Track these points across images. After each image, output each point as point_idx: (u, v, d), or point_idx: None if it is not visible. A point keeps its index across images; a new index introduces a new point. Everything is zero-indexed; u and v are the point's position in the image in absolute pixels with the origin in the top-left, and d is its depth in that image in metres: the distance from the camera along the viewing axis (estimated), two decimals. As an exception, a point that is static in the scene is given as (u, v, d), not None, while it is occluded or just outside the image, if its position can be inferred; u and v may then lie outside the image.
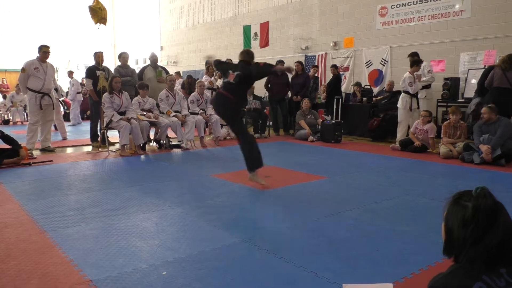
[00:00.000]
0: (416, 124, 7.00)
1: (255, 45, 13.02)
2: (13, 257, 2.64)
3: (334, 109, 9.16)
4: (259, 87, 10.45)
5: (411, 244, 2.87)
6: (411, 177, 5.09)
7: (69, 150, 7.43)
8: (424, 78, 7.69)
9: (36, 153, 6.78)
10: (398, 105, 7.56)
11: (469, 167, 5.68)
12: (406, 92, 7.38)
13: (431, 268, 2.45)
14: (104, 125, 6.87)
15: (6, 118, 12.93)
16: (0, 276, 2.36)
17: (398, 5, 9.69)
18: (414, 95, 7.39)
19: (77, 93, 12.09)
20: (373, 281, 2.31)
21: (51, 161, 6.08)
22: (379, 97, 9.41)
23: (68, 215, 3.53)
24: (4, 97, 14.86)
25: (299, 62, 9.49)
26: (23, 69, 6.79)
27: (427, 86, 7.77)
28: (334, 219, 3.44)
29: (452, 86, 8.34)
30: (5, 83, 18.06)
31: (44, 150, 7.09)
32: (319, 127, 8.41)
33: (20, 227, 3.22)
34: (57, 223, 3.31)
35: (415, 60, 7.39)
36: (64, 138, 8.79)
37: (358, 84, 10.13)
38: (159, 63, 8.65)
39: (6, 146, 5.87)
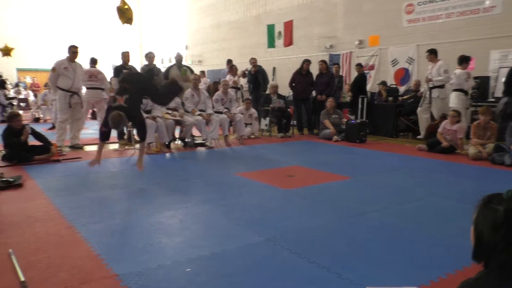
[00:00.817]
0: (444, 124, 6.83)
1: (279, 44, 12.98)
2: (43, 250, 2.72)
3: (359, 108, 9.04)
4: (284, 86, 10.44)
5: (437, 247, 2.81)
6: (438, 179, 4.98)
7: (97, 147, 7.59)
8: (440, 78, 7.53)
9: (65, 150, 6.97)
10: (452, 105, 7.28)
11: (500, 169, 5.50)
12: (460, 90, 7.17)
13: (458, 273, 2.39)
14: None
15: (37, 116, 13.32)
16: (30, 268, 2.44)
17: (425, 2, 9.48)
18: (467, 93, 7.21)
19: None
20: (397, 283, 2.28)
21: (80, 158, 6.24)
22: (405, 97, 9.23)
23: (95, 211, 3.62)
24: (35, 95, 15.33)
25: (323, 61, 9.40)
26: (53, 69, 6.98)
27: (441, 86, 7.63)
28: (358, 219, 3.40)
29: (481, 85, 8.10)
30: (36, 82, 18.64)
31: (73, 147, 7.27)
32: (344, 127, 8.33)
33: (49, 222, 3.32)
34: (85, 218, 3.40)
35: (464, 57, 7.23)
36: None
37: (383, 83, 9.97)
38: (184, 62, 8.74)
39: (38, 143, 6.05)
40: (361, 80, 9.39)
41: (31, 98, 15.98)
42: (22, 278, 2.27)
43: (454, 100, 7.28)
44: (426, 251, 2.74)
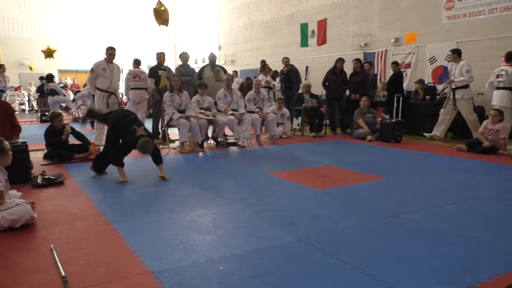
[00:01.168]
0: (486, 124, 6.57)
1: (312, 43, 12.88)
2: (82, 246, 2.82)
3: (395, 107, 8.83)
4: (316, 85, 10.36)
5: (478, 251, 2.71)
6: (478, 180, 4.79)
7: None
8: (462, 78, 7.26)
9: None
10: (498, 103, 6.92)
11: (545, 171, 5.24)
12: (509, 89, 6.88)
13: (501, 278, 2.29)
14: (165, 122, 7.14)
15: (76, 116, 13.80)
16: (71, 263, 2.53)
17: (466, -2, 9.15)
18: None
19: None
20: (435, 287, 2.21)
21: (117, 156, 6.41)
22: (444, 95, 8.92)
23: (131, 208, 3.71)
24: (75, 94, 15.89)
25: (357, 60, 9.24)
26: (92, 70, 7.22)
27: (464, 86, 7.37)
28: (393, 221, 3.32)
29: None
30: (76, 82, 19.35)
31: (110, 146, 7.48)
32: (378, 126, 8.16)
33: (88, 219, 3.43)
34: (122, 216, 3.49)
35: None
36: None
37: (421, 81, 9.69)
38: (217, 62, 8.83)
39: (77, 142, 6.28)
40: (397, 78, 9.16)
41: (71, 98, 16.55)
42: (63, 273, 2.36)
43: (503, 99, 6.89)
44: (465, 254, 2.64)
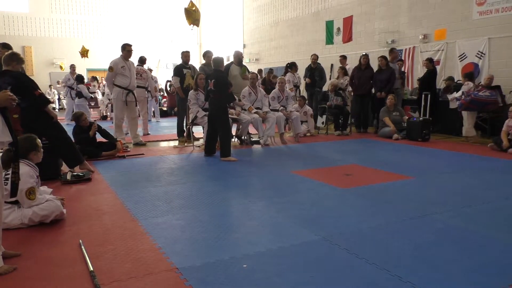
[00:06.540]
0: (508, 122, 6.35)
1: (337, 40, 12.74)
2: (110, 242, 2.88)
3: (422, 105, 8.62)
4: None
5: (509, 253, 2.61)
6: (511, 180, 4.62)
7: (158, 144, 7.91)
8: None
9: (129, 146, 7.31)
10: None
11: None
12: None
13: (534, 282, 2.21)
14: (190, 121, 7.20)
15: (104, 114, 14.12)
16: (99, 258, 2.59)
17: (499, -8, 8.83)
18: None
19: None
20: (465, 291, 2.15)
21: (142, 154, 6.53)
22: (474, 92, 8.65)
23: (157, 205, 3.76)
24: (103, 94, 16.27)
25: (383, 57, 9.06)
26: (110, 68, 7.23)
27: None
28: (421, 221, 3.25)
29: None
30: (104, 81, 19.78)
31: (136, 144, 7.60)
32: (405, 125, 8.00)
33: (115, 215, 3.50)
34: (148, 212, 3.55)
35: None
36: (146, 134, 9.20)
37: (451, 78, 9.42)
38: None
39: (104, 140, 6.41)
40: (429, 76, 8.92)
41: (99, 97, 16.96)
42: (91, 268, 2.41)
43: None
44: (496, 257, 2.56)
